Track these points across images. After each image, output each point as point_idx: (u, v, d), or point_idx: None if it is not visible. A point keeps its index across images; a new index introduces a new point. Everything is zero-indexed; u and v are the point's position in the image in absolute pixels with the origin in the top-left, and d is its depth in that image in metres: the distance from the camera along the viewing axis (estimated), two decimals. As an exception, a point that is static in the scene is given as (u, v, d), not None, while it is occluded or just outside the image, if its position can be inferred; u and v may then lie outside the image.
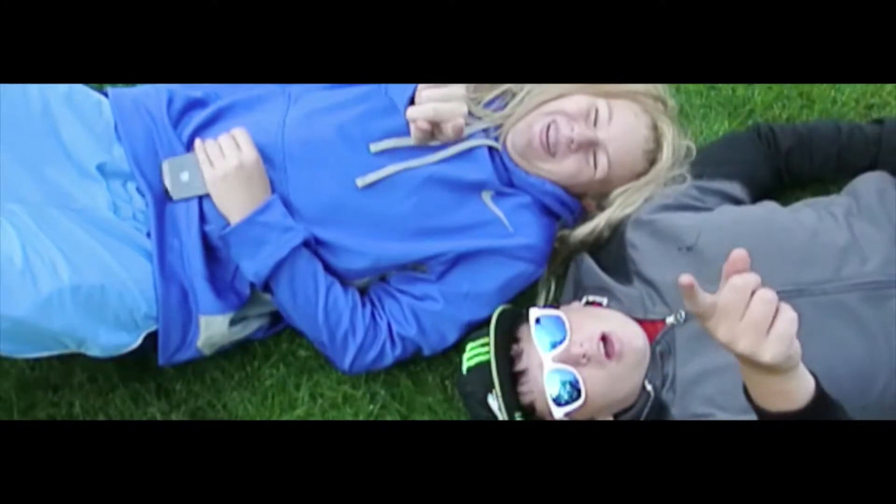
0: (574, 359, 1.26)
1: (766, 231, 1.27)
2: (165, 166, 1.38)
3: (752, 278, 0.87)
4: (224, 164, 1.36)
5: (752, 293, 0.87)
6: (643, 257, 1.35)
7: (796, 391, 0.92)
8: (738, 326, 0.87)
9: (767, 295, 0.86)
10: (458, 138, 1.32)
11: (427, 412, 1.46)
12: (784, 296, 1.14)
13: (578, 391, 1.26)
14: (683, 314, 1.26)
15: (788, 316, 0.86)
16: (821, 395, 0.92)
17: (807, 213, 1.33)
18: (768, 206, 1.38)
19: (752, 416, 1.08)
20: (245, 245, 1.35)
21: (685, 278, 0.86)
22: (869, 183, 1.36)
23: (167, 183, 1.37)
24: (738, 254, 0.88)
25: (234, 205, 1.35)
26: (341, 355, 1.41)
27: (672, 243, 1.33)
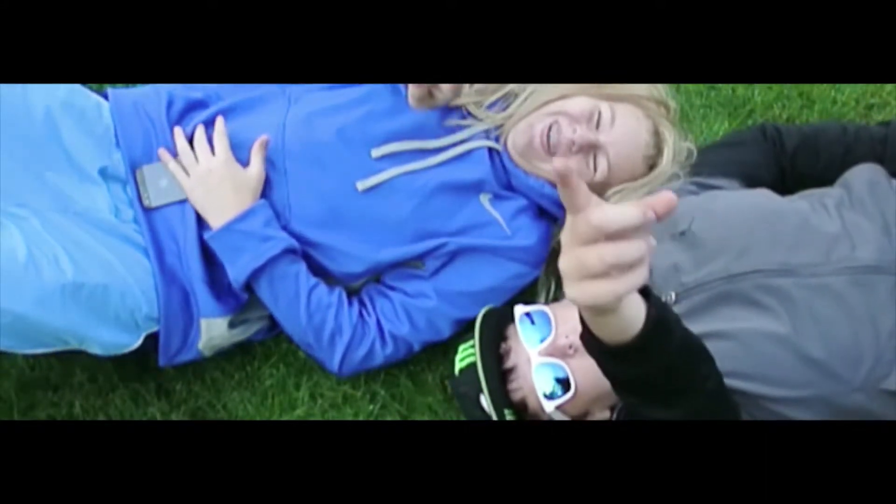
0: (561, 350, 1.27)
1: (758, 215, 1.28)
2: (141, 174, 1.38)
3: (615, 222, 0.71)
4: (196, 171, 1.37)
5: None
6: None
7: (624, 327, 0.84)
8: (573, 251, 0.75)
9: (608, 257, 0.72)
10: (455, 96, 1.30)
11: (427, 412, 1.46)
12: (773, 275, 1.17)
13: (568, 383, 1.26)
14: (674, 295, 1.26)
15: (614, 290, 0.73)
16: (652, 327, 0.84)
17: (800, 203, 1.33)
18: (762, 192, 1.38)
19: (734, 381, 1.10)
20: (224, 251, 1.35)
21: (558, 163, 0.71)
22: (861, 175, 1.36)
23: (143, 190, 1.37)
24: (665, 198, 0.71)
25: (213, 210, 1.36)
26: (329, 356, 1.40)
27: (665, 230, 1.33)
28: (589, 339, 0.88)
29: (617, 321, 0.83)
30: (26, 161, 1.28)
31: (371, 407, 1.45)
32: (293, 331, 1.40)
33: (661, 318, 0.85)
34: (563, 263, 0.76)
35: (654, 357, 0.88)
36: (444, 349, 1.46)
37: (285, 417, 1.44)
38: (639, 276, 0.73)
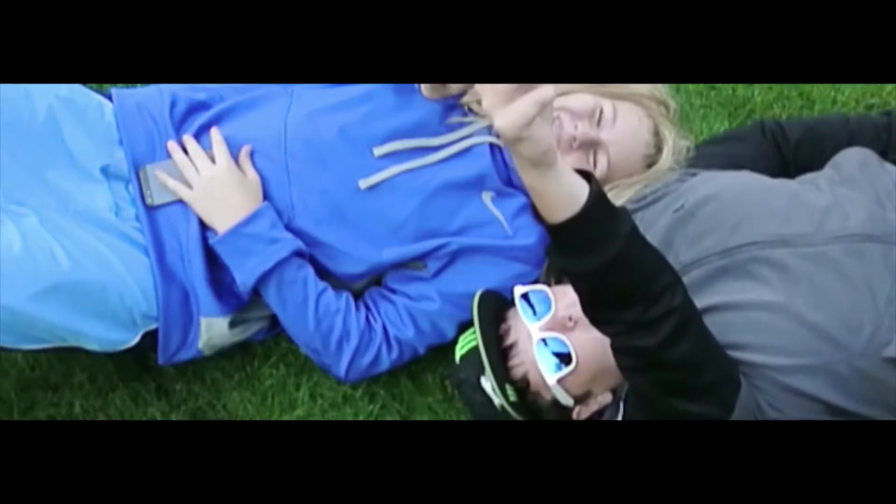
0: (561, 323, 1.28)
1: (750, 191, 1.30)
2: (144, 172, 1.38)
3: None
4: (198, 181, 1.36)
5: None
6: None
7: (567, 196, 0.94)
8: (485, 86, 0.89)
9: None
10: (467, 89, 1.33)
11: (427, 412, 1.46)
12: (768, 246, 1.18)
13: (569, 356, 1.27)
14: None
15: (532, 98, 0.86)
16: (596, 201, 0.94)
17: (790, 182, 1.35)
18: (751, 173, 1.38)
19: (738, 353, 1.11)
20: (231, 255, 1.35)
21: None
22: (850, 156, 1.37)
23: (146, 188, 1.37)
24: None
25: (219, 216, 1.35)
26: (336, 361, 1.39)
27: (662, 207, 1.34)
28: (548, 230, 0.97)
29: (559, 185, 0.93)
30: (27, 160, 1.29)
31: (371, 407, 1.45)
32: (300, 336, 1.40)
33: (603, 194, 0.95)
34: (485, 101, 0.89)
35: (605, 239, 0.95)
36: (444, 349, 1.45)
37: (285, 417, 1.44)
38: (548, 89, 0.86)
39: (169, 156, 1.40)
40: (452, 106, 1.47)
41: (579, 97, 1.42)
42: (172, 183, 1.37)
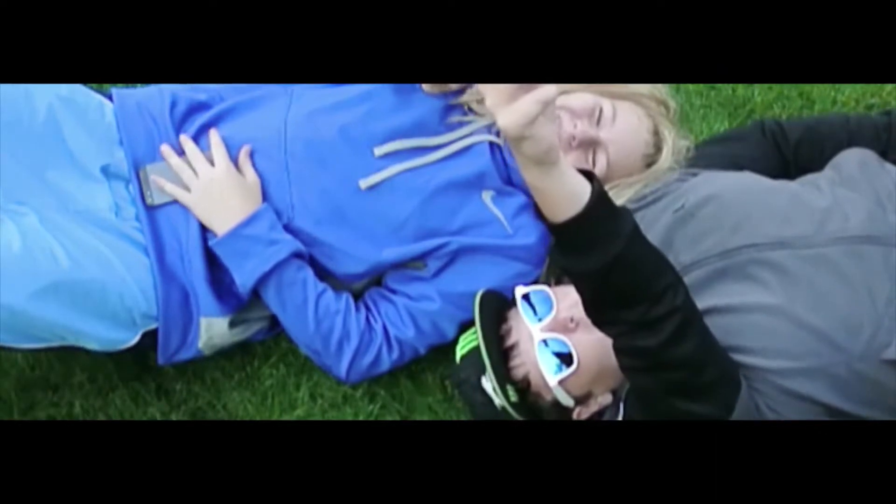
0: (562, 324, 1.28)
1: (750, 192, 1.30)
2: (144, 172, 1.38)
3: None
4: (196, 184, 1.36)
5: None
6: None
7: (570, 195, 0.95)
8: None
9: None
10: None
11: (427, 412, 1.46)
12: (767, 248, 1.18)
13: (570, 357, 1.27)
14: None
15: (535, 97, 0.87)
16: (598, 200, 0.96)
17: (790, 184, 1.34)
18: (751, 174, 1.38)
19: (736, 357, 1.11)
20: (231, 257, 1.35)
21: None
22: (851, 156, 1.37)
23: (146, 188, 1.37)
24: None
25: (219, 218, 1.35)
26: (337, 362, 1.39)
27: (662, 207, 1.34)
28: (550, 230, 0.98)
29: (562, 184, 0.94)
30: (27, 159, 1.29)
31: (371, 407, 1.45)
32: (300, 338, 1.40)
33: (605, 194, 0.97)
34: (488, 101, 0.90)
35: (607, 238, 0.97)
36: (444, 349, 1.45)
37: (285, 417, 1.44)
38: (551, 88, 0.87)
39: None
40: (452, 105, 1.47)
41: (579, 96, 1.42)
42: (170, 186, 1.37)
